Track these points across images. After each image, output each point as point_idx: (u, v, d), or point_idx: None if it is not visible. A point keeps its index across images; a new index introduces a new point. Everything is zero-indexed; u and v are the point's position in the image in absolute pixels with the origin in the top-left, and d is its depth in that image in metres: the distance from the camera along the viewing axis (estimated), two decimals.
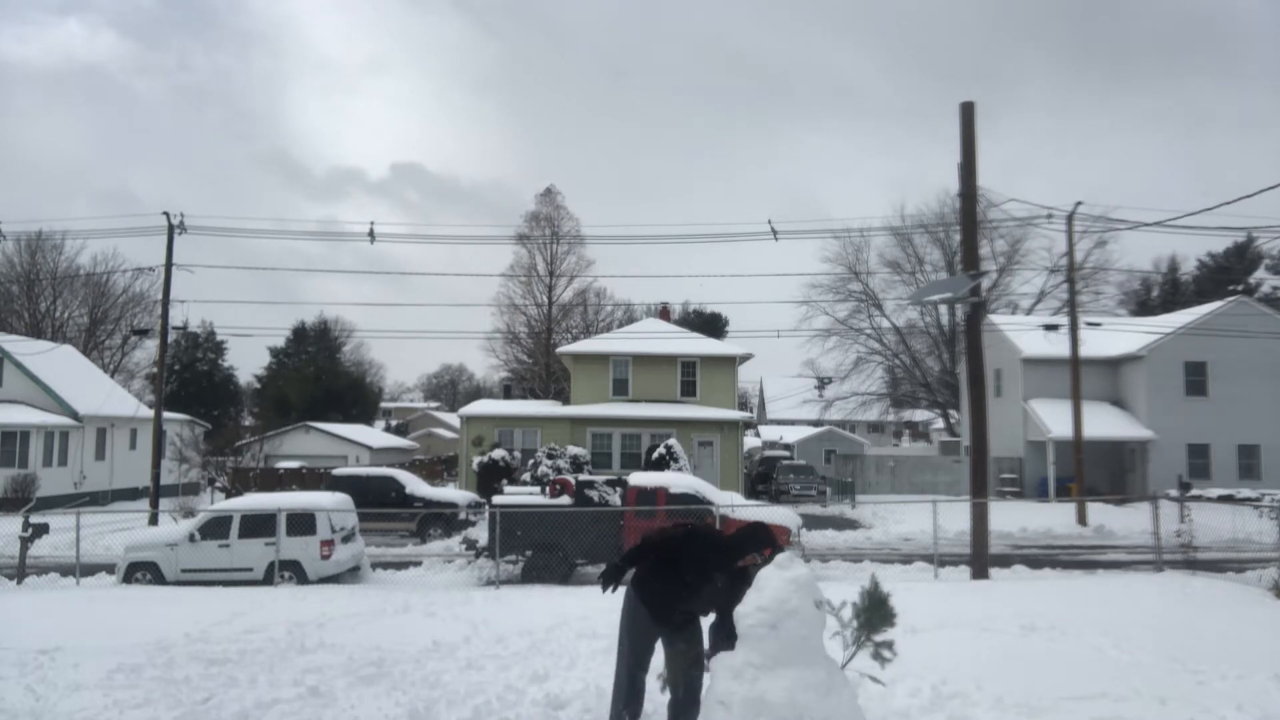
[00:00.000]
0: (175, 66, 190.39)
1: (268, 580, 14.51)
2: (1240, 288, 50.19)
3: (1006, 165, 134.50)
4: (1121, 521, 24.16)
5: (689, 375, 34.49)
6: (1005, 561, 16.70)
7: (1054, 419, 31.76)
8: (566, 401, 36.73)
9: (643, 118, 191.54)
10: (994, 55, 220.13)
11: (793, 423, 63.85)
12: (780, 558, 5.10)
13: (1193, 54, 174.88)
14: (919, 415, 63.10)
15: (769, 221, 23.65)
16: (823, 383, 58.25)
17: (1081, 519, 24.58)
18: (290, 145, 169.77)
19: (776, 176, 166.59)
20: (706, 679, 5.26)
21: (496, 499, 16.33)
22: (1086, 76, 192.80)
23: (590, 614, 10.68)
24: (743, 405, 45.28)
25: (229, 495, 27.93)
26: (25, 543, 15.66)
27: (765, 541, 5.58)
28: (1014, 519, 23.39)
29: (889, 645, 5.09)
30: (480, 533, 17.94)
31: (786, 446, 53.41)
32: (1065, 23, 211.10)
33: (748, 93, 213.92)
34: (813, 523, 23.67)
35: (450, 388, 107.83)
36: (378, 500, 21.70)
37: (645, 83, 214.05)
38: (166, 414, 31.18)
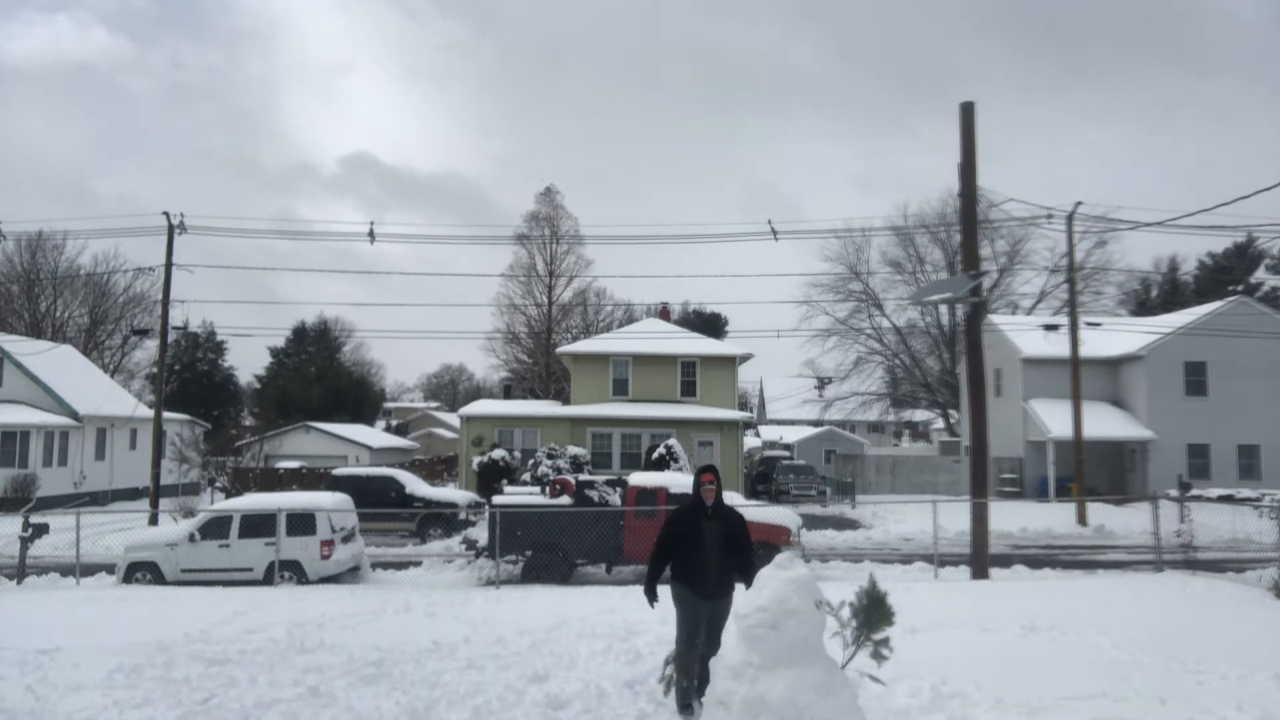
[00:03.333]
0: (166, 65, 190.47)
1: (268, 580, 14.52)
2: (1240, 288, 50.15)
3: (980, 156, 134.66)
4: (1121, 521, 24.14)
5: (689, 375, 34.49)
6: (1005, 561, 16.70)
7: (1054, 419, 31.76)
8: (566, 401, 36.72)
9: (621, 114, 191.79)
10: (962, 46, 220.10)
11: (793, 423, 63.84)
12: (780, 558, 5.12)
13: (1159, 43, 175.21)
14: (919, 415, 63.11)
15: (769, 221, 23.64)
16: (823, 383, 58.26)
17: (1081, 519, 24.57)
18: (255, 142, 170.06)
19: (744, 170, 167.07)
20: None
21: (496, 499, 16.32)
22: (1049, 66, 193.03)
23: (590, 614, 10.70)
24: (743, 405, 45.26)
25: (229, 495, 27.93)
26: (25, 543, 15.67)
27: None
28: (1014, 519, 23.38)
29: (886, 643, 5.10)
30: (480, 533, 17.92)
31: (786, 446, 53.37)
32: (1030, 12, 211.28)
33: (702, 82, 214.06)
34: (813, 523, 23.67)
35: (450, 388, 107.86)
36: (378, 500, 21.70)
37: (619, 76, 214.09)
38: (166, 414, 31.19)
